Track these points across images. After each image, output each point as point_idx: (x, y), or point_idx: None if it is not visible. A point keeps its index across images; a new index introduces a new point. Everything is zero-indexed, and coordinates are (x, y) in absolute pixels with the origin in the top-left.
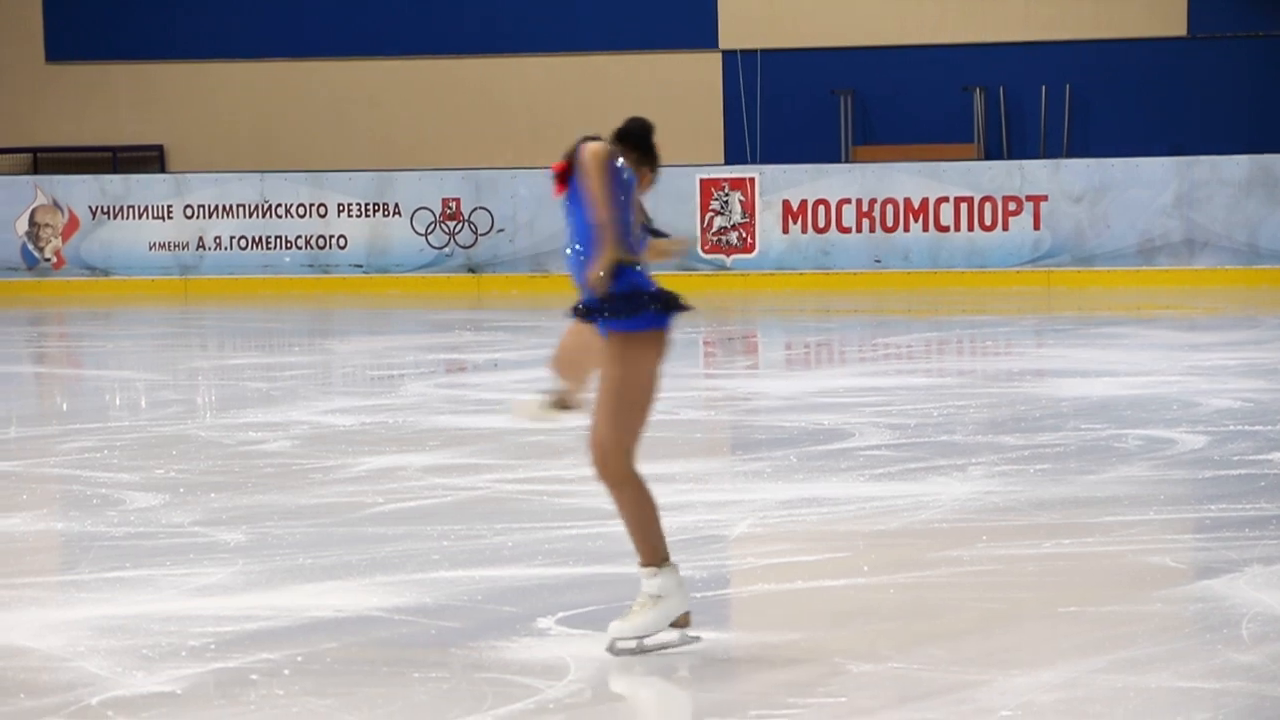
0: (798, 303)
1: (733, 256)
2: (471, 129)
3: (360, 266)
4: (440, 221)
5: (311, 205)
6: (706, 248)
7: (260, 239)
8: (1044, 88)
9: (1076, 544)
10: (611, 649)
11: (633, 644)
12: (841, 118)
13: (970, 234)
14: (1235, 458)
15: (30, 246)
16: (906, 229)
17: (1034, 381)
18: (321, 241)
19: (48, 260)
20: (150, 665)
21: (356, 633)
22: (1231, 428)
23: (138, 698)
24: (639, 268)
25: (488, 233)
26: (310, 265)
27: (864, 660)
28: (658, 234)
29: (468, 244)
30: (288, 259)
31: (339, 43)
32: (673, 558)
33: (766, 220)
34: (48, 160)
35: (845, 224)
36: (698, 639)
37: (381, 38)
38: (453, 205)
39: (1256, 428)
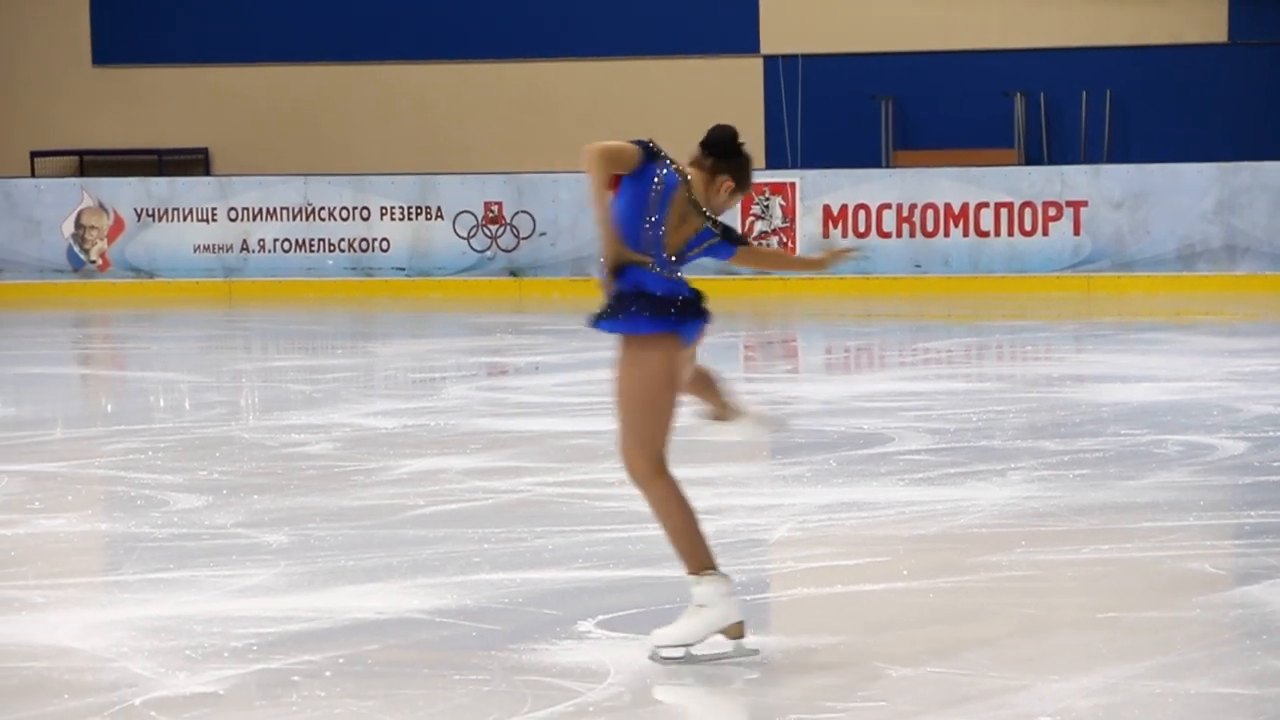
0: (838, 307)
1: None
2: (514, 133)
3: (403, 269)
4: (482, 225)
5: (354, 208)
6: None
7: (304, 242)
8: (1085, 93)
9: (1116, 549)
10: (653, 656)
11: (679, 652)
12: (882, 123)
13: (1010, 239)
14: (1275, 463)
15: (76, 248)
16: (946, 234)
17: (1074, 387)
18: (364, 244)
19: (93, 262)
20: (193, 666)
21: (398, 635)
22: (1272, 434)
23: (180, 698)
24: (658, 270)
25: (530, 236)
26: (353, 268)
27: (903, 665)
28: (738, 239)
29: (510, 247)
30: (331, 262)
31: (383, 46)
32: (721, 566)
33: (807, 225)
34: (94, 163)
35: (885, 229)
36: (755, 652)
37: (425, 42)
38: (495, 209)
39: None
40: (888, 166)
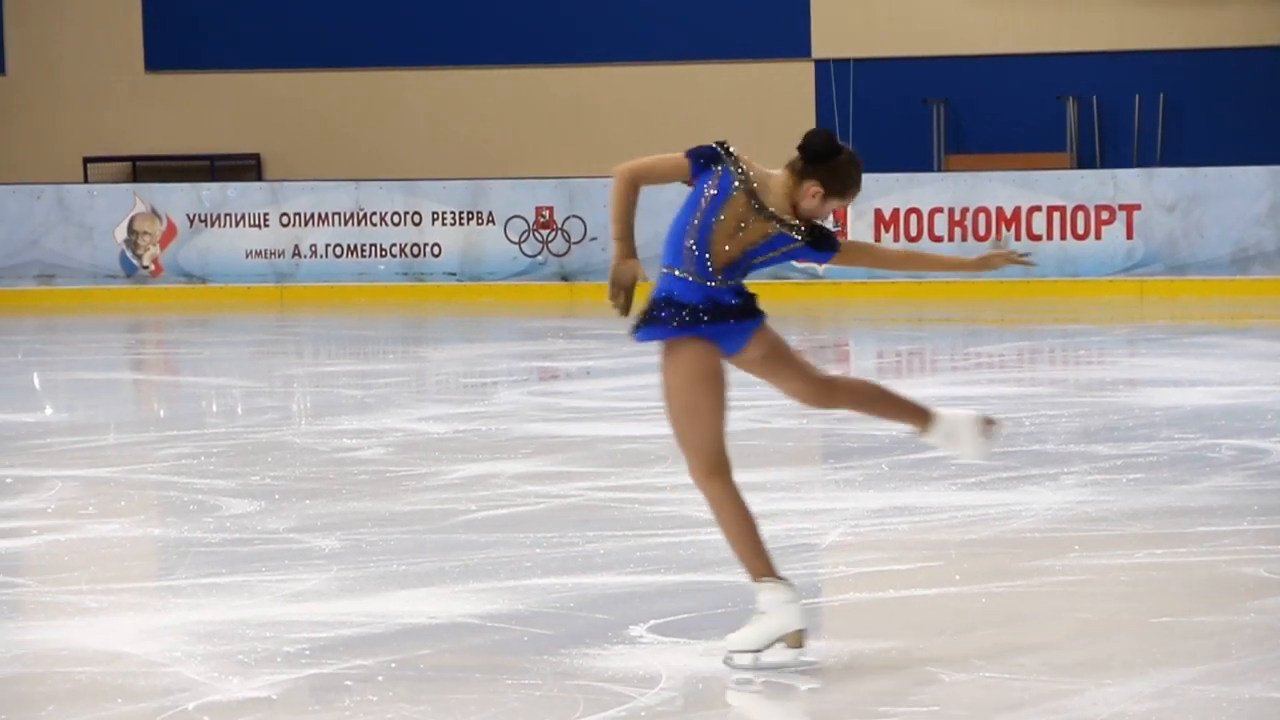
0: (889, 311)
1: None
2: (565, 138)
3: (454, 274)
4: (534, 230)
5: (406, 213)
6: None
7: (355, 247)
8: (1137, 97)
9: (1169, 554)
10: (726, 660)
11: (747, 659)
12: (934, 126)
13: (1063, 243)
14: None
15: (129, 254)
16: (999, 237)
17: (1127, 391)
18: (416, 249)
19: (146, 268)
20: (246, 671)
21: (450, 639)
22: None
23: (233, 703)
24: (694, 278)
25: (581, 241)
26: (404, 273)
27: (956, 669)
28: (829, 245)
29: (561, 252)
30: (382, 267)
31: (434, 52)
32: (783, 574)
33: (859, 228)
34: (146, 169)
35: (937, 233)
36: (813, 662)
37: (476, 48)
38: (546, 213)
39: None
40: (939, 170)
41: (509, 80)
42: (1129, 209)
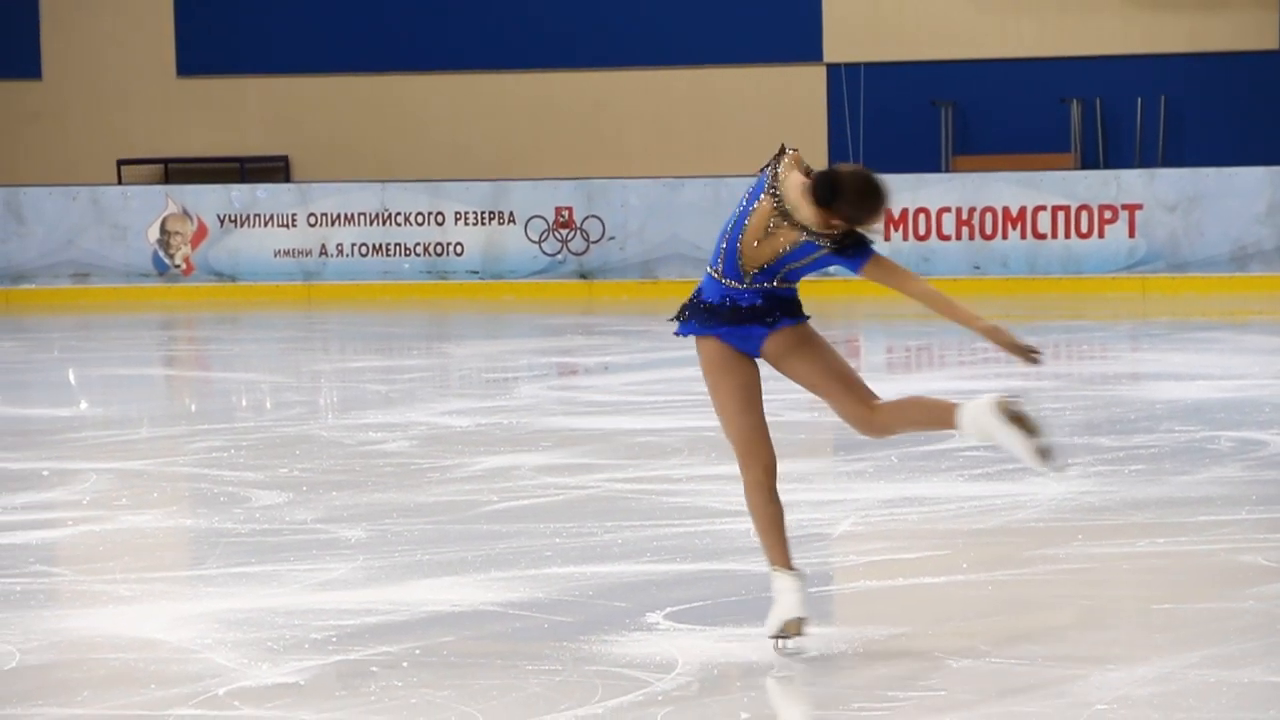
0: (899, 308)
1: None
2: (584, 140)
3: (476, 273)
4: (553, 229)
5: (430, 213)
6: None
7: (380, 246)
8: (1139, 99)
9: (1170, 543)
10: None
11: (773, 642)
12: (942, 128)
13: (1067, 241)
14: None
15: (161, 254)
16: (1005, 237)
17: (1129, 385)
18: (439, 249)
19: (178, 267)
20: (275, 657)
21: (472, 626)
22: None
23: (263, 688)
24: (725, 279)
25: (599, 240)
26: (428, 271)
27: (963, 655)
28: (859, 255)
29: (580, 251)
30: (406, 266)
31: (456, 58)
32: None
33: None
34: (178, 171)
35: (945, 231)
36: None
37: (498, 52)
38: (565, 214)
39: None
40: (947, 171)
41: (529, 84)
42: (1131, 208)
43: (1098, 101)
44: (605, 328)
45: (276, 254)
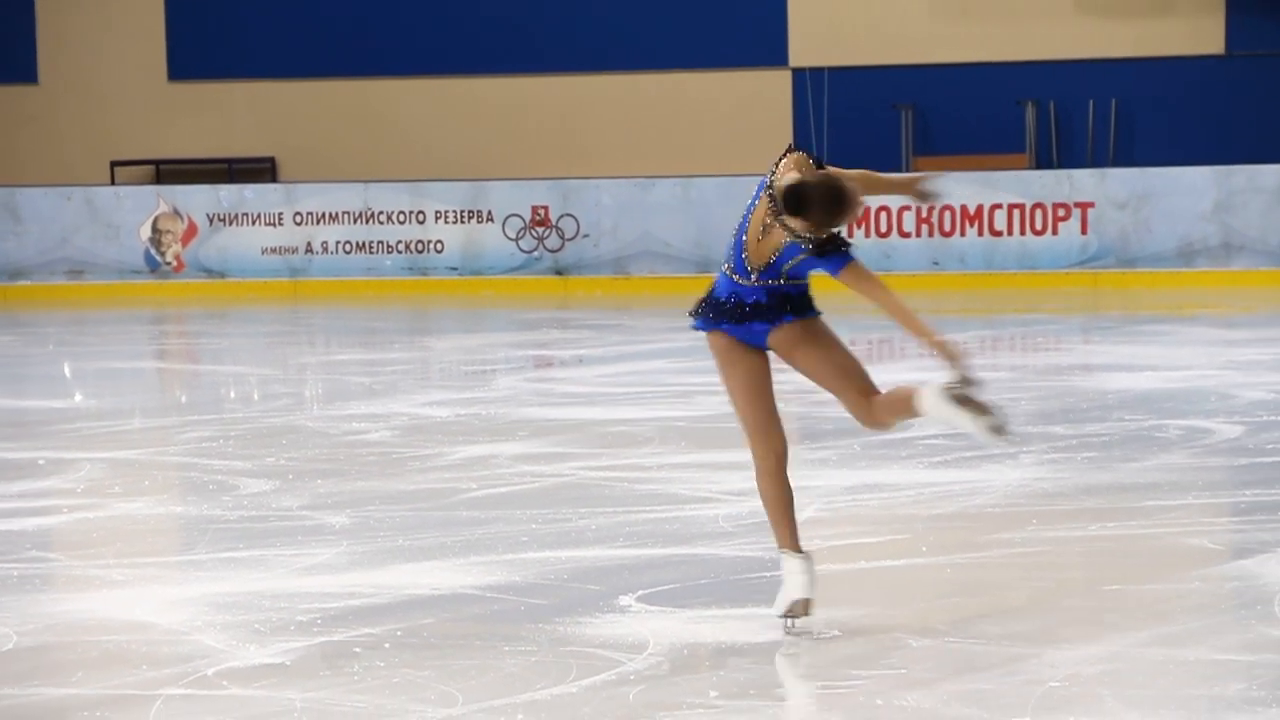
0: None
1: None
2: (559, 141)
3: (456, 269)
4: (530, 227)
5: (411, 212)
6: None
7: (363, 244)
8: (1091, 102)
9: (1120, 527)
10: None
11: (783, 621)
12: (903, 130)
13: (1022, 238)
14: (1269, 446)
15: (153, 251)
16: (962, 234)
17: (1081, 375)
18: (420, 246)
19: (169, 264)
20: (262, 639)
21: (451, 609)
22: (1265, 418)
23: (250, 668)
24: (734, 275)
25: (574, 238)
26: (409, 268)
27: (922, 635)
28: (837, 258)
29: (555, 248)
30: (389, 262)
31: (438, 62)
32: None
33: None
34: (169, 171)
35: (905, 229)
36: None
37: (477, 58)
38: (541, 212)
39: None
40: (908, 171)
41: (506, 89)
42: (1083, 206)
43: (1051, 104)
44: (580, 322)
45: (264, 251)
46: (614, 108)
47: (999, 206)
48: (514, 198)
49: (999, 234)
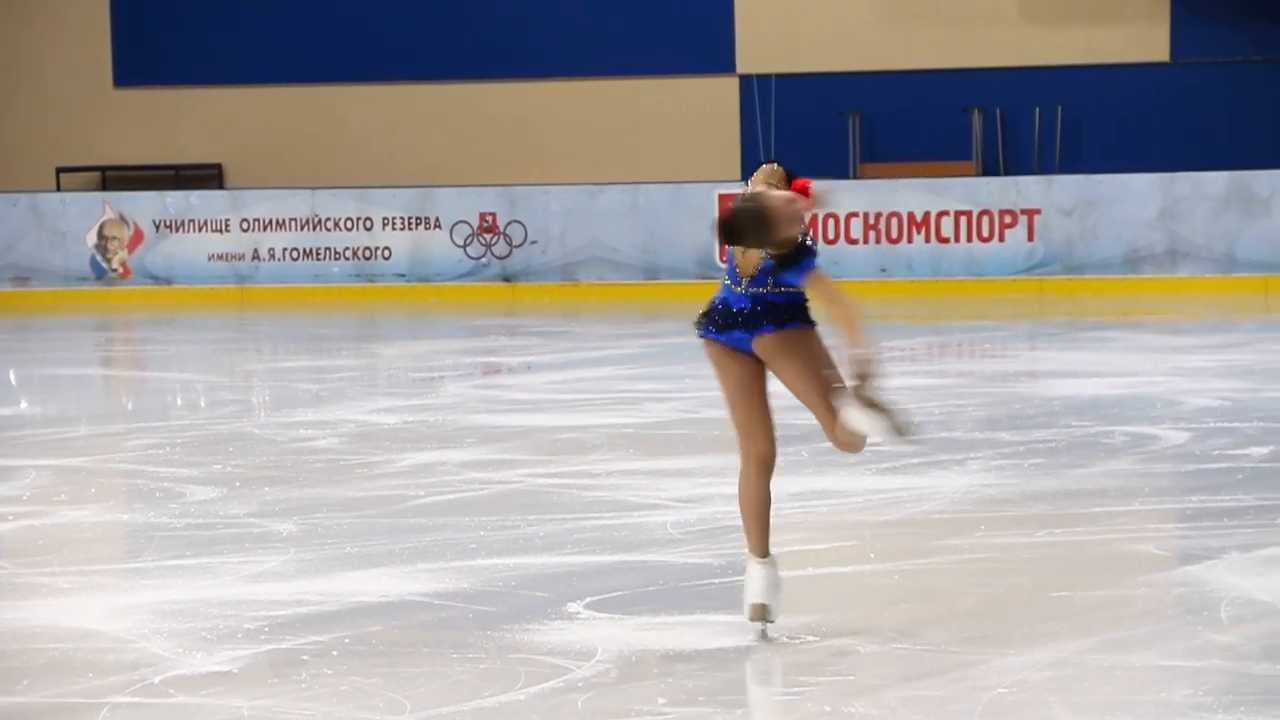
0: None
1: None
2: (507, 148)
3: (403, 276)
4: (478, 234)
5: (358, 219)
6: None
7: (311, 251)
8: (1037, 109)
9: (1067, 533)
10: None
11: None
12: (850, 137)
13: (969, 245)
14: (1215, 452)
15: (99, 258)
16: (910, 240)
17: (1028, 382)
18: (367, 253)
19: (115, 271)
20: (209, 646)
21: (400, 616)
22: (1211, 424)
23: (197, 676)
24: (730, 284)
25: (521, 244)
26: (357, 275)
27: (870, 641)
28: (799, 269)
29: (503, 255)
30: (336, 269)
31: (384, 69)
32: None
33: None
34: (115, 178)
35: (853, 236)
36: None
37: (423, 64)
38: (489, 219)
39: (1234, 424)
40: (855, 178)
41: (454, 95)
42: (1030, 213)
43: (998, 111)
44: (528, 328)
45: (210, 258)
46: (562, 114)
47: (946, 213)
48: (461, 204)
49: (946, 241)
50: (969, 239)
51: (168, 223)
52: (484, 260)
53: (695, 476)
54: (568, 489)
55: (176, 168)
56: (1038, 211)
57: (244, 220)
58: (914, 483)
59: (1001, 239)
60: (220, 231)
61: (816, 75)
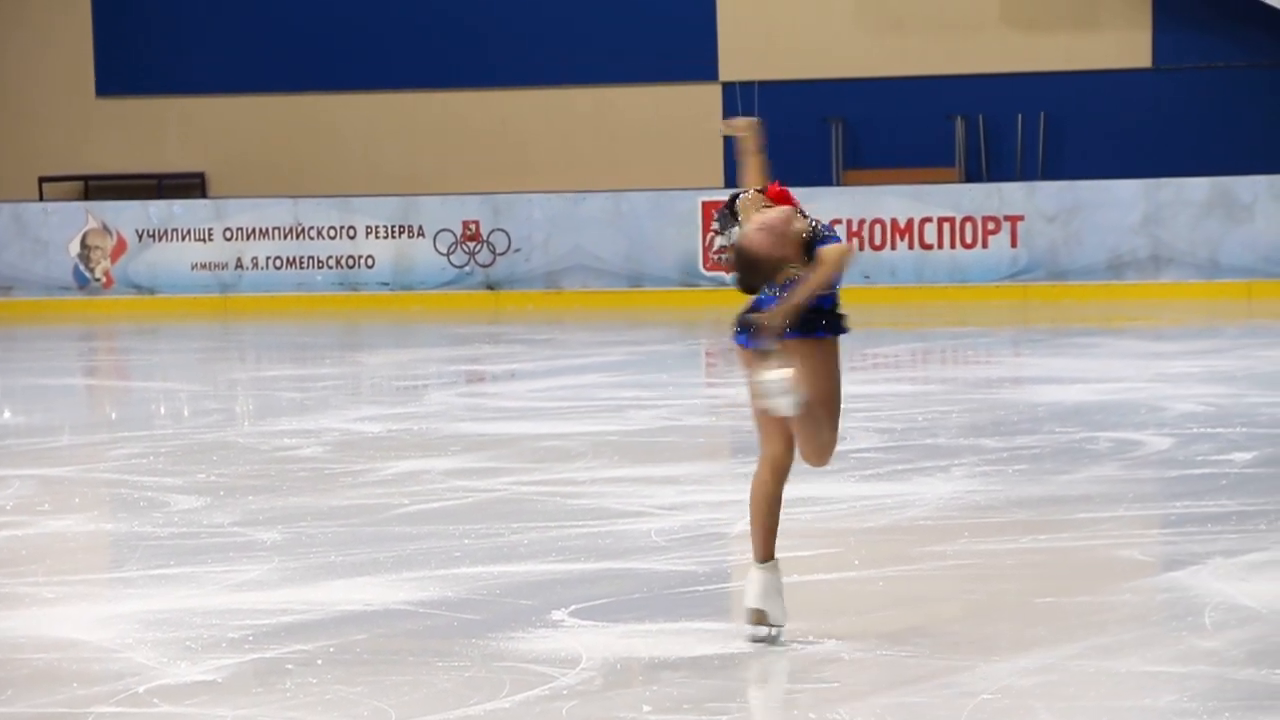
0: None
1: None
2: (490, 156)
3: (387, 284)
4: (461, 242)
5: (341, 228)
6: (708, 266)
7: (294, 259)
8: (1020, 116)
9: (1052, 539)
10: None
11: (760, 630)
12: (833, 144)
13: (952, 252)
14: (1199, 458)
15: (82, 267)
16: (893, 247)
17: (1012, 388)
18: (351, 261)
19: (98, 280)
20: (193, 656)
21: (384, 625)
22: (1195, 430)
23: (182, 686)
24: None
25: (505, 252)
26: (340, 283)
27: (855, 648)
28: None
29: (486, 263)
30: (319, 278)
31: (367, 78)
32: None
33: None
34: (98, 187)
35: None
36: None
37: (406, 72)
38: (472, 227)
39: (1218, 430)
40: (838, 185)
41: (437, 103)
42: (1013, 220)
43: (980, 118)
44: (511, 336)
45: (193, 267)
46: (545, 122)
47: (929, 220)
48: (445, 212)
49: (929, 248)
50: (952, 245)
51: (150, 232)
52: (467, 268)
53: (679, 484)
54: (552, 497)
55: (159, 177)
56: (1021, 218)
57: (227, 229)
58: (898, 489)
59: (985, 245)
60: (203, 240)
61: (799, 82)
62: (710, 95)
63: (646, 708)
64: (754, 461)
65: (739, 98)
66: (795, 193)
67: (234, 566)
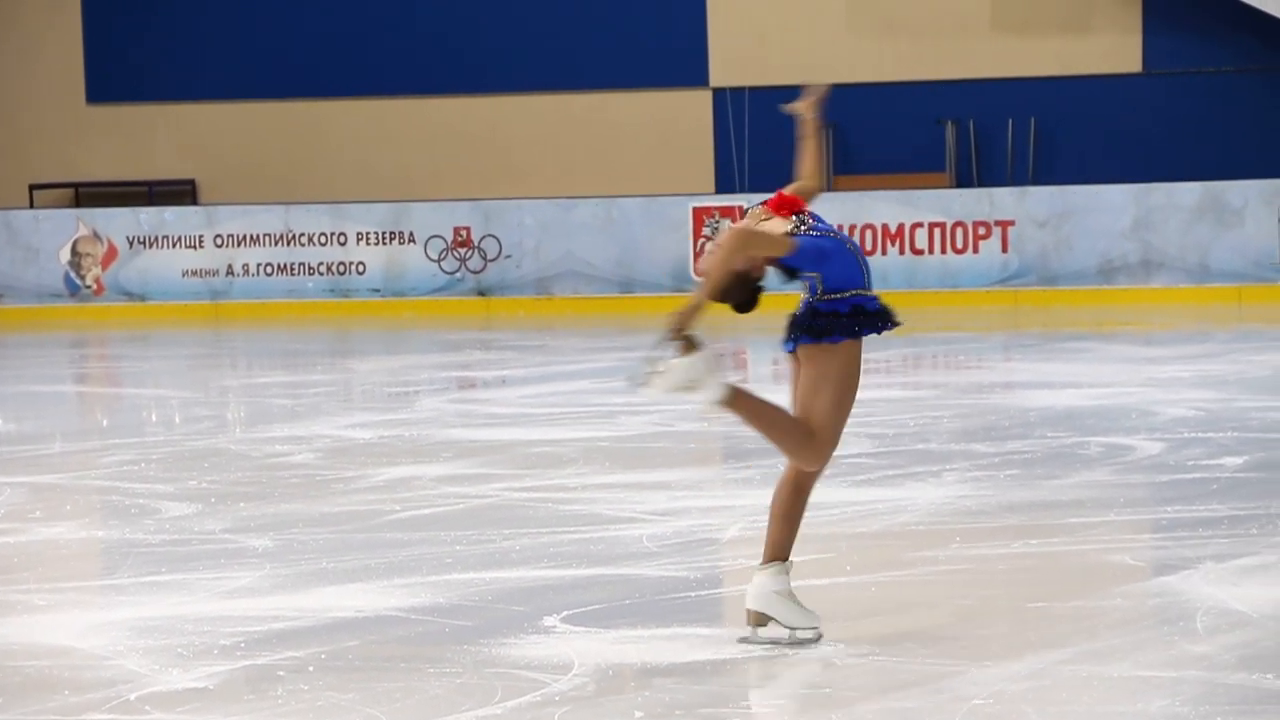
0: (783, 321)
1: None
2: (481, 162)
3: (378, 291)
4: (452, 248)
5: (332, 234)
6: (699, 272)
7: (285, 266)
8: (1011, 121)
9: (1043, 544)
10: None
11: (782, 632)
12: (823, 149)
13: (943, 257)
14: (1190, 463)
15: (73, 275)
16: (884, 253)
17: (1003, 393)
18: (342, 268)
19: (89, 287)
20: (185, 663)
21: (376, 631)
22: (1186, 435)
23: (173, 693)
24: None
25: (496, 259)
26: (331, 290)
27: (847, 653)
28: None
29: (477, 269)
30: (310, 284)
31: (358, 83)
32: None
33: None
34: (88, 194)
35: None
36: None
37: (396, 79)
38: (464, 233)
39: (1209, 435)
40: (829, 190)
41: (428, 109)
42: (1004, 225)
43: (971, 123)
44: (502, 343)
45: (184, 274)
46: (535, 128)
47: (920, 225)
48: (436, 219)
49: (920, 253)
50: (943, 251)
51: (141, 239)
52: (458, 275)
53: (671, 490)
54: (543, 503)
55: (150, 184)
56: (1011, 223)
57: (218, 236)
58: (890, 495)
59: (976, 251)
60: (194, 248)
61: (790, 88)
62: (701, 101)
63: (638, 714)
64: (746, 466)
65: (730, 104)
66: None
67: (225, 573)
